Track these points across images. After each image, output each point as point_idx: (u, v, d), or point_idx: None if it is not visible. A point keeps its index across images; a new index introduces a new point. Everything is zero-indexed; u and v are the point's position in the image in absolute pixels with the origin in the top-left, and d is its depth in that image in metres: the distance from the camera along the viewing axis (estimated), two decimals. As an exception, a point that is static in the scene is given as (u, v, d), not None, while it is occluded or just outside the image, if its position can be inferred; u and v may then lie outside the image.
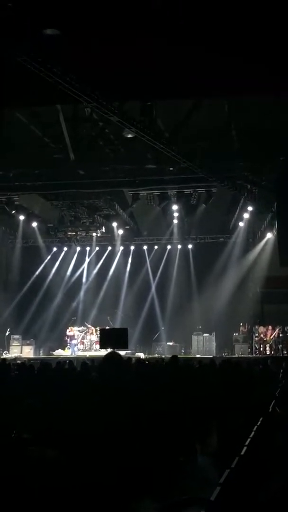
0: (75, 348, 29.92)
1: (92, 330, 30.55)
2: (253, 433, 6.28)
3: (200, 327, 30.28)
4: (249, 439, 5.85)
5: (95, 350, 29.42)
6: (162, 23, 12.96)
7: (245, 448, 5.41)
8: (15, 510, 3.14)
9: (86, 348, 30.30)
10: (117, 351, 6.77)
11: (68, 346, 30.21)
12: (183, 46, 13.80)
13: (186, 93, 17.69)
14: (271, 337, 28.67)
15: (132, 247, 33.38)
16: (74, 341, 30.28)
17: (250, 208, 27.93)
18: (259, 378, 14.92)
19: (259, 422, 6.98)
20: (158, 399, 9.17)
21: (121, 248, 33.28)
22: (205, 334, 29.93)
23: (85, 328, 30.94)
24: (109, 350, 19.84)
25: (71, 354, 28.50)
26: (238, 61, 14.23)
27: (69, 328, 30.90)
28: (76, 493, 3.67)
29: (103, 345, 21.79)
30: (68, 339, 30.51)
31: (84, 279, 33.51)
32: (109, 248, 33.39)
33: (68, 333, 30.70)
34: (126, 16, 12.97)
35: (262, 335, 28.87)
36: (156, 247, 32.91)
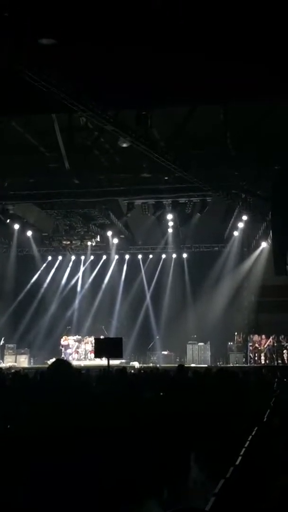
0: (70, 358, 29.85)
1: (87, 339, 30.49)
2: (248, 442, 6.26)
3: (195, 336, 30.23)
4: (244, 449, 5.84)
5: (89, 360, 29.34)
6: (159, 28, 12.99)
7: (240, 457, 5.40)
8: None
9: (81, 358, 30.22)
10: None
11: (63, 356, 30.11)
12: (179, 53, 13.83)
13: (182, 100, 17.72)
14: (265, 346, 28.66)
15: (127, 256, 33.35)
16: (68, 350, 30.21)
17: (245, 217, 27.96)
18: (254, 387, 14.91)
19: (254, 432, 6.96)
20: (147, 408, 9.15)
21: (116, 257, 33.25)
22: (200, 343, 29.89)
23: (80, 337, 30.86)
24: (104, 359, 19.79)
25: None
26: (235, 65, 14.27)
27: (64, 337, 30.82)
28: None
29: (97, 355, 21.69)
30: (63, 349, 30.43)
31: (79, 288, 33.45)
32: (104, 257, 33.37)
33: (62, 342, 30.63)
34: (121, 25, 13.00)
35: (256, 344, 28.85)
36: (151, 256, 32.89)
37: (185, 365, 26.01)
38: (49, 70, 14.97)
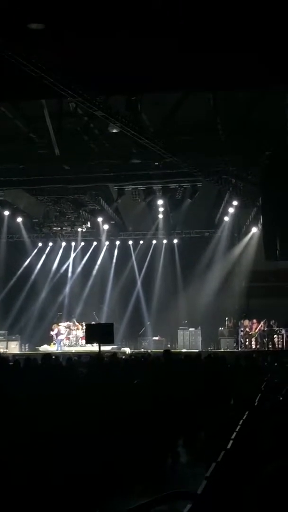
0: (61, 344, 29.86)
1: (78, 325, 30.47)
2: (239, 426, 6.30)
3: (186, 321, 30.29)
4: (235, 433, 5.88)
5: (80, 346, 29.38)
6: (151, 15, 12.94)
7: (231, 441, 5.43)
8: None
9: (72, 344, 30.23)
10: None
11: (54, 342, 30.13)
12: (169, 38, 13.78)
13: (172, 86, 17.64)
14: (256, 330, 28.75)
15: (118, 242, 33.34)
16: (60, 336, 30.19)
17: (235, 203, 27.97)
18: (245, 372, 15.00)
19: (245, 416, 7.01)
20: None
21: (107, 243, 33.22)
22: (190, 329, 29.94)
23: (71, 323, 30.85)
24: (95, 345, 19.85)
25: (57, 350, 28.43)
26: (225, 51, 14.24)
27: (53, 325, 30.69)
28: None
29: (89, 341, 21.78)
30: (55, 335, 30.38)
31: (69, 275, 33.44)
32: (95, 243, 33.33)
33: (52, 332, 30.45)
34: (112, 10, 12.94)
35: (247, 329, 28.94)
36: (141, 242, 32.88)
37: (176, 351, 26.18)
38: (38, 55, 14.88)
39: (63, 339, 30.30)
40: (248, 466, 4.48)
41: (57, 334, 30.28)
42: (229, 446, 5.21)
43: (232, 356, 20.32)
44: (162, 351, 23.92)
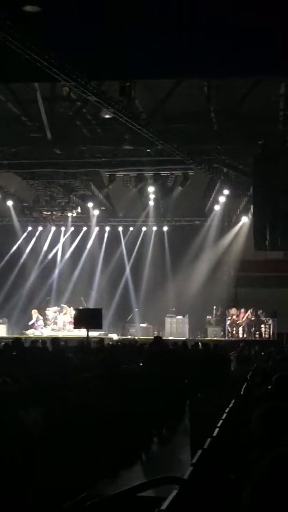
0: (43, 329, 29.70)
1: (67, 310, 30.40)
2: (225, 414, 6.34)
3: (174, 309, 30.36)
4: (221, 421, 5.92)
5: (68, 331, 29.33)
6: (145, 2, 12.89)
7: (217, 429, 5.47)
8: None
9: (59, 329, 30.19)
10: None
11: (33, 329, 29.95)
12: (165, 25, 13.73)
13: (166, 73, 17.59)
14: (243, 319, 28.87)
15: (108, 228, 33.31)
16: (39, 322, 30.02)
17: (226, 192, 28.01)
18: (232, 360, 15.08)
19: (232, 404, 7.05)
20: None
21: (97, 228, 33.18)
22: (178, 317, 30.00)
23: (59, 308, 30.83)
24: (83, 330, 19.86)
25: (42, 334, 28.29)
26: (220, 41, 14.21)
27: (33, 312, 30.45)
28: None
29: (77, 325, 21.73)
30: (36, 322, 30.15)
31: (58, 259, 33.39)
32: (84, 228, 33.28)
33: (33, 320, 30.30)
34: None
35: (234, 317, 29.04)
36: (131, 228, 32.88)
37: (163, 338, 26.20)
38: (33, 38, 14.79)
39: (50, 324, 30.30)
40: (234, 453, 4.53)
41: (37, 320, 30.10)
42: (215, 434, 5.25)
43: (221, 345, 20.40)
44: (149, 338, 24.04)
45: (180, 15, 13.61)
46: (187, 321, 29.87)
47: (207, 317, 30.05)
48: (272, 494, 1.83)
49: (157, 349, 15.02)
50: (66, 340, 21.94)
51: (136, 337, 26.83)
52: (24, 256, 32.96)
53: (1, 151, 24.35)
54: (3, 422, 5.60)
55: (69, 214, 30.67)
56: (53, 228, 33.12)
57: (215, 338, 27.63)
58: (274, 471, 1.88)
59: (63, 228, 33.22)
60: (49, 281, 32.79)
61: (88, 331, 18.41)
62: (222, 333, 29.21)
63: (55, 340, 16.17)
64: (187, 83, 20.00)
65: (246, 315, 28.86)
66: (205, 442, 4.74)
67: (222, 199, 29.32)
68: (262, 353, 19.38)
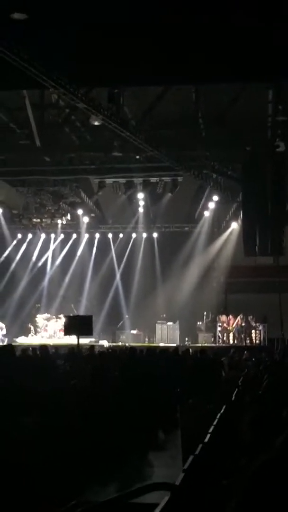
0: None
1: (56, 318, 30.33)
2: (216, 420, 6.34)
3: (164, 315, 30.35)
4: (212, 427, 5.91)
5: (58, 338, 29.25)
6: (133, 9, 12.91)
7: (208, 435, 5.47)
8: None
9: (50, 336, 30.12)
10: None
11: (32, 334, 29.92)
12: (152, 32, 13.75)
13: (154, 80, 17.61)
14: (233, 325, 28.88)
15: (97, 235, 33.29)
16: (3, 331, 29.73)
17: (215, 198, 28.09)
18: (223, 367, 15.06)
19: (222, 410, 7.04)
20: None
21: (86, 235, 33.15)
22: (169, 323, 29.98)
23: (49, 315, 30.77)
24: (74, 337, 19.80)
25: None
26: (207, 47, 14.24)
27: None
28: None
29: (67, 332, 21.67)
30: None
31: (48, 267, 33.34)
32: (74, 235, 33.25)
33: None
34: (95, 3, 12.89)
35: (225, 324, 29.06)
36: (121, 235, 32.87)
37: (154, 344, 26.22)
38: (21, 46, 14.77)
39: (40, 331, 30.22)
40: (226, 459, 4.52)
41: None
42: (206, 440, 5.24)
43: (212, 351, 20.38)
44: (139, 344, 24.02)
45: (169, 22, 13.62)
46: (177, 327, 29.84)
47: (198, 323, 30.04)
48: (259, 500, 1.82)
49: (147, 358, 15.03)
50: (57, 347, 21.89)
51: (126, 344, 26.78)
52: (14, 263, 32.88)
53: (-11, 159, 24.33)
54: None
55: (59, 221, 30.65)
56: (43, 236, 33.09)
57: (206, 344, 27.61)
58: (261, 476, 1.87)
59: (52, 235, 33.20)
60: (39, 288, 32.72)
61: (78, 338, 18.35)
62: (212, 339, 29.20)
63: (43, 347, 16.13)
64: (175, 89, 20.03)
65: (237, 321, 28.87)
66: (197, 448, 4.73)
67: (211, 205, 29.39)
68: (253, 359, 19.39)
